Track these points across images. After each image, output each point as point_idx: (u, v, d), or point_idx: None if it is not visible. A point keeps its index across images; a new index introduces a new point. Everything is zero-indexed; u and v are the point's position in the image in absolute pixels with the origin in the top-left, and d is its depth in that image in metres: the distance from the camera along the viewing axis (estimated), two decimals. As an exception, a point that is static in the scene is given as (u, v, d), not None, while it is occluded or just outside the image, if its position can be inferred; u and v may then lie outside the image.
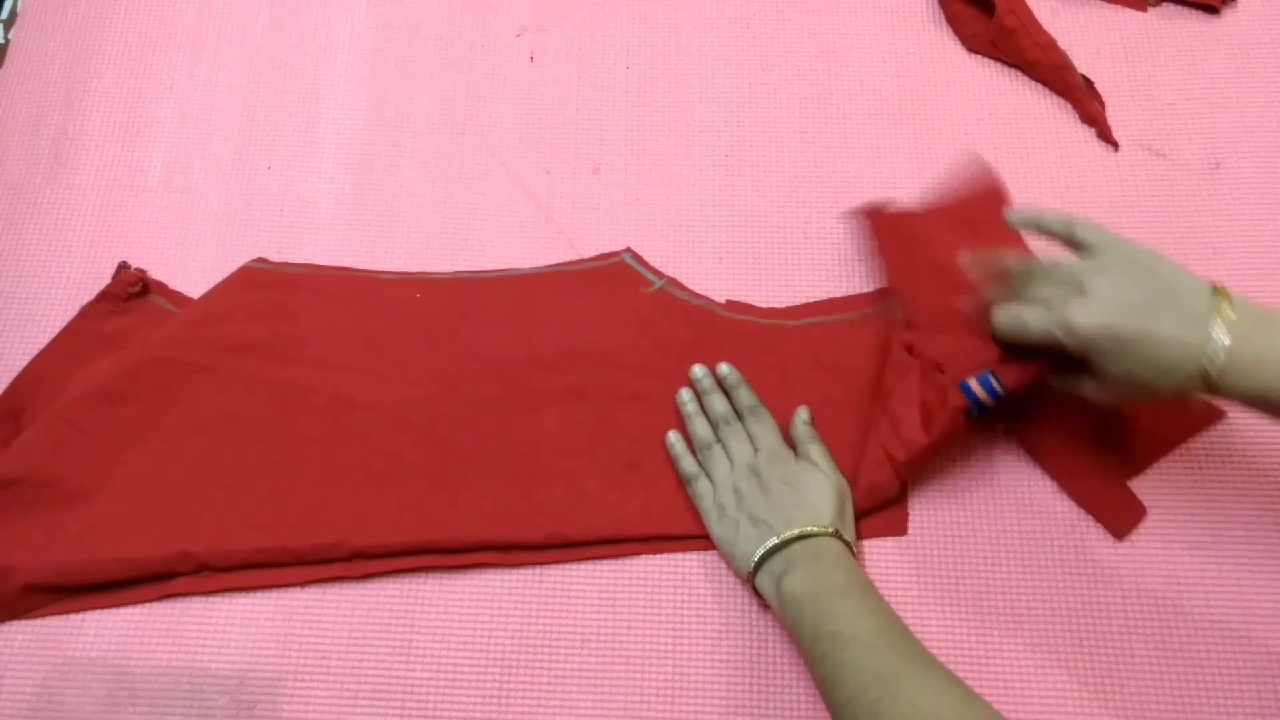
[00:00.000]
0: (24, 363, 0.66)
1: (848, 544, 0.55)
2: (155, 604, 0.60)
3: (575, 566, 0.60)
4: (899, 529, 0.60)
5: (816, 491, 0.56)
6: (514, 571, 0.60)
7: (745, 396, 0.62)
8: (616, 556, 0.60)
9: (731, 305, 0.67)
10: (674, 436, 0.62)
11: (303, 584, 0.60)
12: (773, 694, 0.57)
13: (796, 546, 0.54)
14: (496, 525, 0.60)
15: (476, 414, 0.64)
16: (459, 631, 0.59)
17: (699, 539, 0.60)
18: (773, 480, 0.57)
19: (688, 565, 0.60)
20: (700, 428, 0.61)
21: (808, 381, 0.64)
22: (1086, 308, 0.47)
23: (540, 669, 0.58)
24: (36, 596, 0.60)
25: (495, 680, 0.58)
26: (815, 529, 0.54)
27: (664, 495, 0.61)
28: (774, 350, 0.65)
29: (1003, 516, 0.61)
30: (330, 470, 0.62)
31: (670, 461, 0.62)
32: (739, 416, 0.61)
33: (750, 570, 0.55)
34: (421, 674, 0.58)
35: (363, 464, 0.62)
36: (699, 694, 0.57)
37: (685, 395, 0.63)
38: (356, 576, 0.60)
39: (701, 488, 0.60)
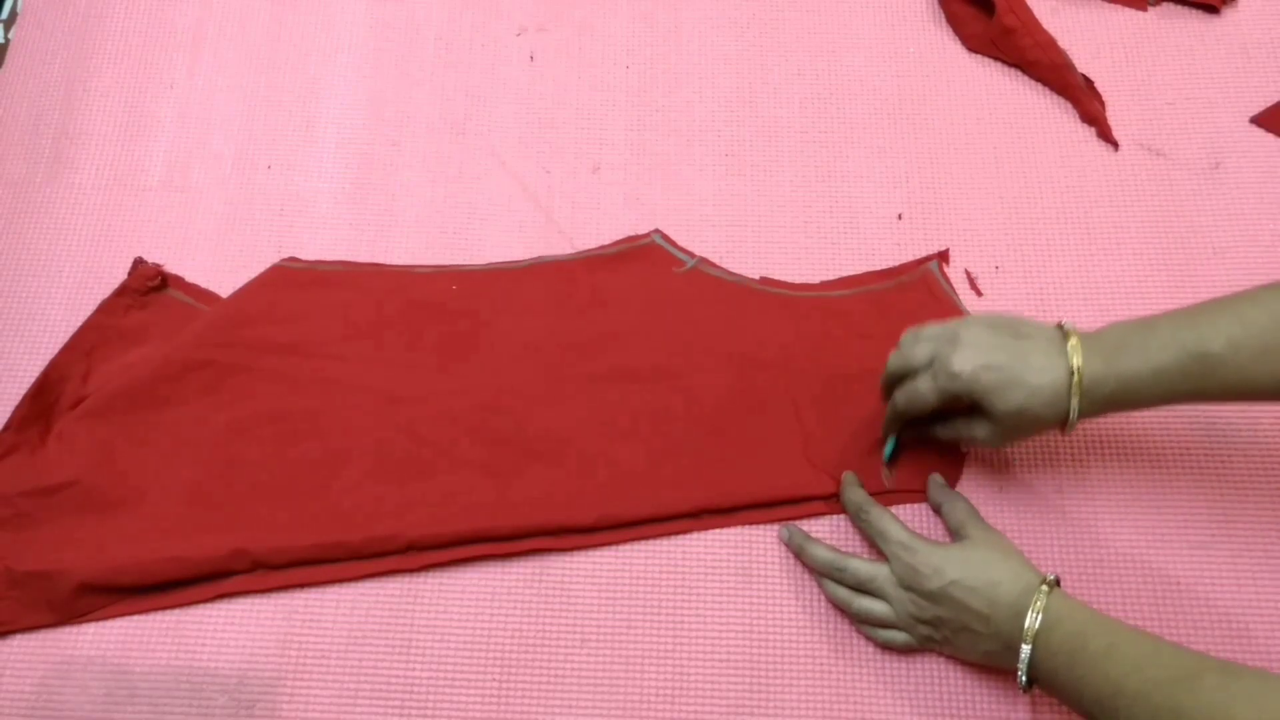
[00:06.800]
0: (24, 363, 0.66)
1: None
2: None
3: (575, 566, 0.60)
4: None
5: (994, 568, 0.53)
6: (514, 570, 0.60)
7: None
8: (667, 535, 0.61)
9: (766, 281, 0.68)
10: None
11: (360, 579, 0.60)
12: (773, 694, 0.57)
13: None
14: (547, 510, 0.61)
15: (519, 401, 0.64)
16: (458, 630, 0.59)
17: (746, 510, 0.61)
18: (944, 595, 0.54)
19: (688, 565, 0.60)
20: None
21: (847, 353, 0.65)
22: (961, 352, 0.53)
23: (540, 668, 0.58)
24: (91, 598, 0.59)
25: (495, 679, 0.58)
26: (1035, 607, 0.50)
27: (709, 471, 0.62)
28: (812, 323, 0.66)
29: (1003, 515, 0.61)
30: (378, 464, 0.62)
31: (715, 435, 0.63)
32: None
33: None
34: (421, 673, 0.58)
35: (410, 456, 0.63)
36: (699, 694, 0.57)
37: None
38: (413, 569, 0.60)
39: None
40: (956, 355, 0.52)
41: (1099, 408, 0.52)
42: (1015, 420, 0.52)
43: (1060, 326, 0.53)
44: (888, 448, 0.61)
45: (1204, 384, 0.49)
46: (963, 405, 0.55)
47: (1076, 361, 0.51)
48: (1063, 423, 0.52)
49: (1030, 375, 0.51)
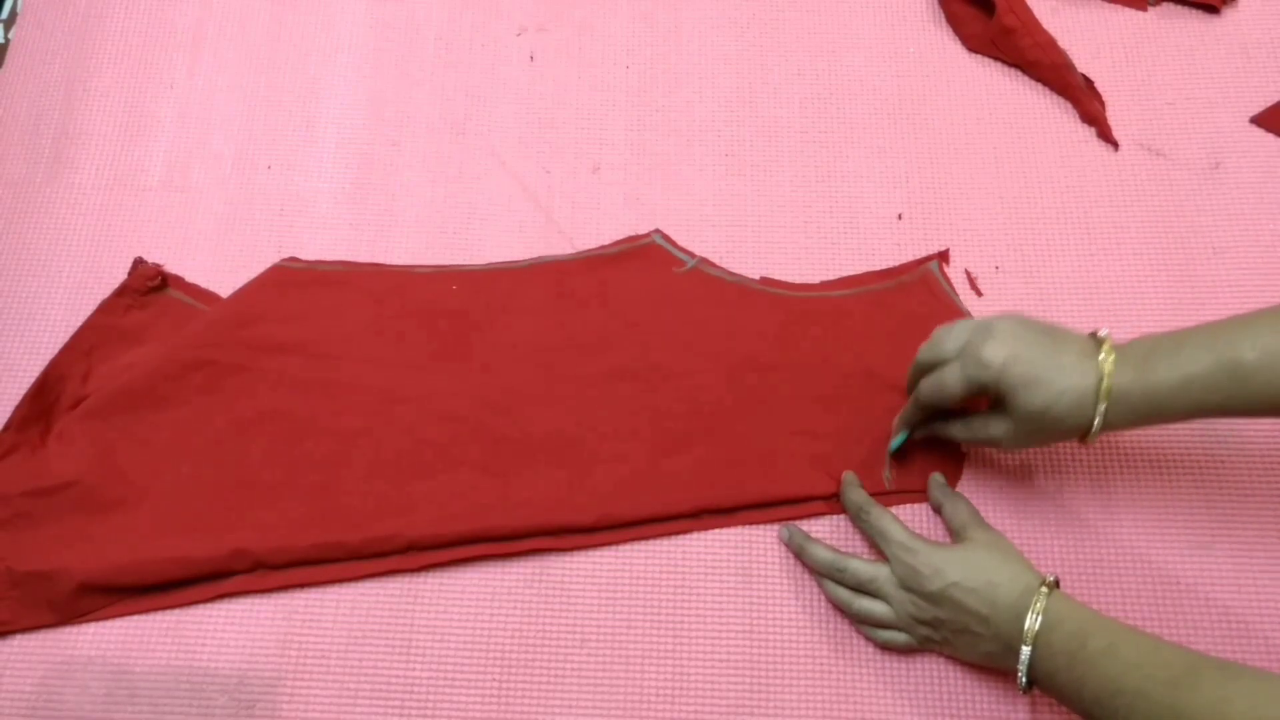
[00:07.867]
0: (25, 363, 0.66)
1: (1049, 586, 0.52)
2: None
3: (575, 566, 0.60)
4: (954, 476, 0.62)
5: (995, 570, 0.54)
6: (514, 570, 0.60)
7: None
8: (668, 535, 0.61)
9: (766, 281, 0.68)
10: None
11: (360, 579, 0.60)
12: (773, 694, 0.57)
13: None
14: (547, 510, 0.61)
15: (519, 401, 0.64)
16: (458, 630, 0.59)
17: (746, 510, 0.61)
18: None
19: (688, 565, 0.60)
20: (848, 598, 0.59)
21: (847, 353, 0.65)
22: (993, 342, 0.52)
23: (540, 668, 0.58)
24: (92, 598, 0.59)
25: (495, 679, 0.58)
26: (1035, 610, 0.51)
27: (709, 471, 0.62)
28: (812, 323, 0.66)
29: (1003, 515, 0.61)
30: (379, 464, 0.62)
31: (716, 435, 0.63)
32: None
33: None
34: (421, 673, 0.58)
35: (410, 456, 0.63)
36: (699, 694, 0.57)
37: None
38: (413, 569, 0.60)
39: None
40: (989, 345, 0.52)
41: (1125, 419, 0.51)
42: (1037, 421, 0.51)
43: (1095, 335, 0.52)
44: (896, 441, 0.61)
45: (1234, 395, 0.48)
46: (984, 402, 0.55)
47: (1107, 367, 0.50)
48: (1085, 431, 0.51)
49: (1059, 376, 0.50)
